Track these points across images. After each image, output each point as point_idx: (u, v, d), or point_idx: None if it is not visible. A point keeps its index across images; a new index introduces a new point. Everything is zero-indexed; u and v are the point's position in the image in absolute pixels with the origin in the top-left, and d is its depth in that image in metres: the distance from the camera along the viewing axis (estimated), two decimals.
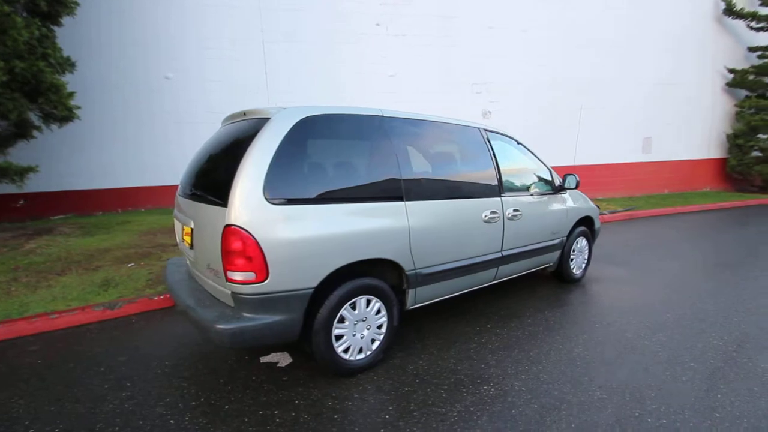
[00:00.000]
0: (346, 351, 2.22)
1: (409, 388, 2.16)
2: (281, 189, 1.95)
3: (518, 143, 3.51)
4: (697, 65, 11.43)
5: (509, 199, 3.04)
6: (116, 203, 7.48)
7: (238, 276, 1.87)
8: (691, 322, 3.01)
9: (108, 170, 7.34)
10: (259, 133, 2.00)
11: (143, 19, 7.22)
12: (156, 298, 3.38)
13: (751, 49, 11.78)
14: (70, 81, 5.30)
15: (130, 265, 4.13)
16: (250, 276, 1.86)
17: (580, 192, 3.99)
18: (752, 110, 11.65)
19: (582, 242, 3.99)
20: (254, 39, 7.80)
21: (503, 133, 3.38)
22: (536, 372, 2.32)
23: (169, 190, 7.46)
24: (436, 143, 2.89)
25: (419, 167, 2.61)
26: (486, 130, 3.16)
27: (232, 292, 1.95)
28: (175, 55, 7.46)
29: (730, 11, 11.24)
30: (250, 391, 2.14)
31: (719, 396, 2.08)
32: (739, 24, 11.59)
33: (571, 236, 3.78)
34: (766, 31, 11.45)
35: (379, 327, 2.36)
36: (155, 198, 7.62)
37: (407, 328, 2.87)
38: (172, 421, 1.90)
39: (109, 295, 3.44)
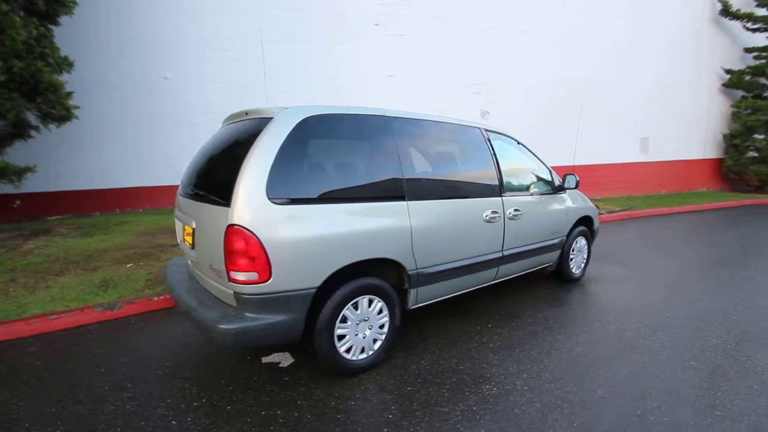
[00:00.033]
0: (348, 351, 2.22)
1: (412, 388, 2.16)
2: (284, 189, 1.94)
3: (518, 143, 3.52)
4: (694, 66, 11.50)
5: (510, 199, 3.05)
6: (114, 204, 7.45)
7: (240, 276, 1.87)
8: (690, 321, 3.03)
9: (106, 170, 7.31)
10: (262, 133, 2.00)
11: (141, 18, 7.19)
12: (155, 298, 3.36)
13: (748, 50, 11.87)
14: (68, 81, 5.27)
15: (129, 265, 4.11)
16: (253, 276, 1.86)
17: (579, 192, 4.00)
18: (748, 111, 11.73)
19: (581, 242, 4.00)
20: (253, 39, 7.79)
21: (503, 132, 3.39)
22: (538, 371, 2.32)
23: (167, 191, 7.49)
24: (437, 143, 2.89)
25: (421, 167, 2.62)
26: (487, 130, 3.17)
27: (235, 292, 1.94)
28: (173, 55, 7.44)
29: (726, 12, 11.31)
30: (252, 391, 2.14)
31: (719, 394, 2.10)
32: (736, 25, 11.67)
33: (570, 236, 3.79)
34: (762, 32, 11.53)
35: (381, 327, 2.36)
36: (153, 198, 7.59)
37: (408, 327, 2.87)
38: (174, 422, 1.90)
39: (108, 295, 3.42)
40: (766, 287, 3.80)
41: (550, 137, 9.55)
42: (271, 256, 1.86)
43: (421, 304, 2.63)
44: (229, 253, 1.87)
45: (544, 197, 3.48)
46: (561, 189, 3.64)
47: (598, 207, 4.81)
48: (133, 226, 5.91)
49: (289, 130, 2.04)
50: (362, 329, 2.26)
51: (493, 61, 9.41)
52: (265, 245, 1.85)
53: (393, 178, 2.34)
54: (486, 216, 2.81)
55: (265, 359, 2.47)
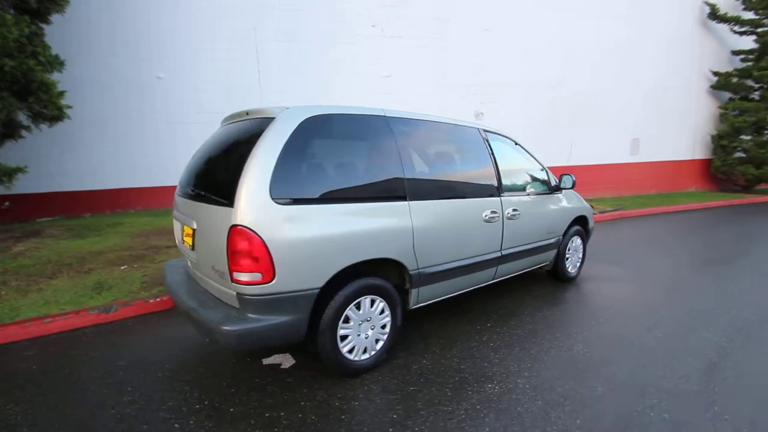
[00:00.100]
0: (350, 351, 2.22)
1: (415, 388, 2.16)
2: (287, 189, 1.94)
3: (515, 143, 3.55)
4: (683, 68, 11.71)
5: (508, 199, 3.08)
6: (106, 205, 7.34)
7: (244, 277, 1.86)
8: (685, 319, 3.08)
9: (98, 170, 7.20)
10: (264, 133, 1.99)
11: (134, 17, 7.10)
12: (152, 300, 3.32)
13: (735, 53, 12.14)
14: (59, 80, 5.18)
15: (123, 267, 4.05)
16: (257, 276, 1.85)
17: (574, 192, 4.05)
18: (735, 112, 11.99)
19: (577, 241, 4.05)
20: (247, 38, 7.74)
21: (501, 133, 3.42)
22: (538, 369, 2.35)
23: (160, 192, 7.41)
24: (437, 143, 2.91)
25: (421, 167, 2.63)
26: (485, 130, 3.19)
27: (238, 293, 1.93)
28: (167, 54, 7.35)
29: (714, 15, 11.54)
30: (255, 393, 2.13)
31: (717, 390, 2.14)
32: (723, 28, 11.91)
33: (566, 235, 3.84)
34: (748, 35, 11.80)
35: (383, 327, 2.36)
36: (146, 199, 7.50)
37: (409, 327, 2.88)
38: (176, 425, 1.88)
39: (103, 298, 3.37)
40: (756, 284, 3.88)
41: (544, 138, 9.64)
42: (274, 256, 1.85)
43: (421, 304, 2.64)
44: (233, 254, 1.86)
45: (541, 197, 3.51)
46: (557, 189, 3.68)
47: (592, 207, 4.87)
48: (126, 228, 5.83)
49: (292, 130, 2.03)
50: (365, 329, 2.26)
51: (490, 62, 9.47)
52: (268, 245, 1.84)
53: (395, 178, 2.35)
54: (485, 216, 2.83)
55: (266, 361, 2.45)
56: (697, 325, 2.96)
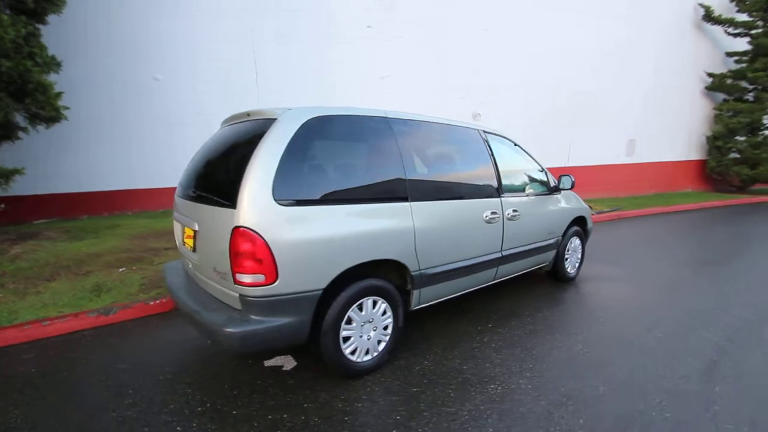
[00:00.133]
0: (353, 353, 2.22)
1: (417, 389, 2.16)
2: (289, 190, 1.93)
3: (515, 144, 3.56)
4: (679, 70, 11.80)
5: (508, 200, 3.09)
6: (103, 206, 7.28)
7: (247, 278, 1.85)
8: (684, 318, 3.10)
9: (95, 172, 7.14)
10: (266, 134, 1.99)
11: (132, 18, 7.07)
12: (151, 303, 3.30)
13: (729, 54, 12.24)
14: (56, 81, 5.14)
15: (121, 269, 4.03)
16: (260, 278, 1.84)
17: (573, 192, 4.07)
18: (730, 113, 12.09)
19: (576, 242, 4.07)
20: (245, 40, 7.72)
21: (501, 134, 3.43)
22: (540, 369, 2.35)
23: (157, 193, 7.37)
24: (438, 144, 2.92)
25: (423, 168, 2.64)
26: (485, 131, 3.20)
27: (241, 295, 1.92)
28: (164, 55, 7.32)
29: (709, 17, 11.65)
30: (257, 395, 2.12)
31: (717, 389, 2.15)
32: (718, 30, 12.02)
33: (565, 236, 3.85)
34: (742, 36, 11.91)
35: (385, 328, 2.36)
36: (143, 201, 7.45)
37: (410, 328, 2.88)
38: (179, 428, 1.87)
39: (101, 300, 3.35)
40: (753, 283, 3.91)
41: (542, 139, 9.67)
42: (277, 257, 1.85)
43: (423, 305, 2.64)
44: (235, 255, 1.86)
45: (540, 198, 3.53)
46: (556, 190, 3.70)
47: (590, 207, 4.89)
48: (124, 230, 5.79)
49: (294, 131, 2.03)
50: (367, 331, 2.26)
51: (489, 63, 9.49)
52: (271, 247, 1.83)
53: (397, 179, 2.35)
54: (486, 216, 2.84)
55: (267, 363, 2.45)
56: (697, 325, 2.98)
